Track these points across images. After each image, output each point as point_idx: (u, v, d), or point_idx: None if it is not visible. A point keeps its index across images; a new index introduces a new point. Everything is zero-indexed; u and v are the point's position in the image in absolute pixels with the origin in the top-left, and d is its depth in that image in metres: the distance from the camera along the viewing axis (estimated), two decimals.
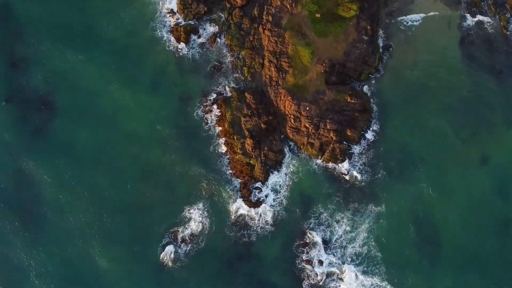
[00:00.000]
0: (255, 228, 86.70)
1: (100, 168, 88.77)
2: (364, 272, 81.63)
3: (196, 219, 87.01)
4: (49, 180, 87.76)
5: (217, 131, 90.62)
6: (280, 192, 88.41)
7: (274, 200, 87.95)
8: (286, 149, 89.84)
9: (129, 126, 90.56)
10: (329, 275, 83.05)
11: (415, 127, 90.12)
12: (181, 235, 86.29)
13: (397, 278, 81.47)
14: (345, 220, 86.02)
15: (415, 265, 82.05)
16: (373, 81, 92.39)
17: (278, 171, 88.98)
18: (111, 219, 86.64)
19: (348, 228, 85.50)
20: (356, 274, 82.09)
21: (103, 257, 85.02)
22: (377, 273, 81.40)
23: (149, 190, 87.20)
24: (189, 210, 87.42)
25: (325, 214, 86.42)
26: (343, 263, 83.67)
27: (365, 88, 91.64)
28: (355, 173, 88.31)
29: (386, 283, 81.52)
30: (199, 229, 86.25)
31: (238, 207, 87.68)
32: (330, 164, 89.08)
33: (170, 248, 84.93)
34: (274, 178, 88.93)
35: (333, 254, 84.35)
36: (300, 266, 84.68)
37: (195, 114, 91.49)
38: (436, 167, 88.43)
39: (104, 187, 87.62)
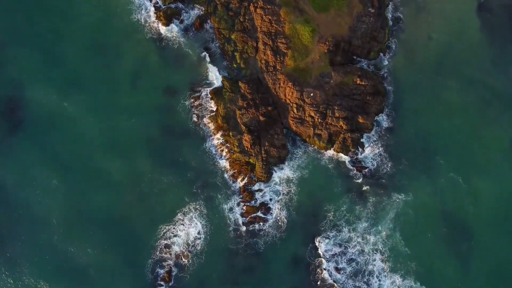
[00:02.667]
0: (261, 237, 74.88)
1: (78, 179, 77.60)
2: (392, 270, 73.33)
3: (190, 232, 75.16)
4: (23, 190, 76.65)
5: (209, 128, 78.67)
6: (286, 193, 76.88)
7: (279, 202, 76.70)
8: (289, 144, 79.18)
9: (107, 127, 79.27)
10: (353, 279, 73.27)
11: (435, 109, 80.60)
12: (174, 252, 74.31)
13: (427, 276, 73.42)
14: (364, 217, 76.14)
15: (445, 263, 74.50)
16: (384, 59, 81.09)
17: (282, 169, 77.87)
18: (90, 233, 74.74)
19: (368, 225, 75.84)
20: (381, 274, 73.08)
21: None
22: (405, 271, 73.34)
23: (133, 200, 76.51)
24: (182, 221, 75.72)
25: (339, 213, 76.38)
26: (366, 263, 73.74)
27: (384, 60, 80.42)
28: (370, 165, 76.97)
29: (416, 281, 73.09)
30: (196, 244, 74.27)
31: (240, 214, 75.84)
32: (342, 157, 78.18)
33: (164, 267, 72.77)
34: (278, 178, 77.58)
35: (351, 259, 73.87)
36: (316, 277, 73.11)
37: (183, 109, 79.63)
38: (463, 153, 78.87)
39: (80, 198, 76.39)
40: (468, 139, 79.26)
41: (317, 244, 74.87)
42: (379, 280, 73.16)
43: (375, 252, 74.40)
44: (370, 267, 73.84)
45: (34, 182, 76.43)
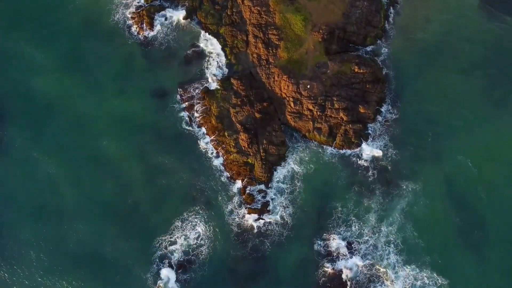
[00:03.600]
0: (265, 240, 70.78)
1: (69, 187, 73.22)
2: (407, 262, 69.59)
3: (190, 241, 70.84)
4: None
5: (203, 129, 74.48)
6: (289, 191, 73.24)
7: (283, 201, 73.13)
8: (288, 139, 75.41)
9: (95, 135, 75.26)
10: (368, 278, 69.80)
11: (439, 92, 77.06)
12: (174, 259, 70.07)
13: (443, 266, 69.64)
14: (373, 210, 72.18)
15: (460, 252, 70.76)
16: (382, 45, 77.41)
17: (282, 167, 74.05)
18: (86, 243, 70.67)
19: (377, 219, 71.87)
20: (397, 267, 69.59)
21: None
22: (421, 263, 69.65)
23: (127, 212, 72.27)
24: (180, 230, 71.50)
25: (347, 208, 72.44)
26: (381, 259, 70.10)
27: (381, 45, 76.65)
28: (376, 154, 74.15)
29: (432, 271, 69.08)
30: (197, 253, 70.07)
31: (241, 217, 71.76)
32: (345, 150, 74.46)
33: (165, 274, 68.64)
34: (280, 176, 74.06)
35: (363, 254, 70.41)
36: (327, 277, 69.09)
37: (173, 112, 75.40)
38: (471, 135, 75.00)
39: (73, 212, 72.16)
40: (475, 121, 75.63)
41: (326, 242, 70.72)
42: (395, 273, 69.32)
43: (388, 245, 70.67)
44: (384, 261, 70.05)
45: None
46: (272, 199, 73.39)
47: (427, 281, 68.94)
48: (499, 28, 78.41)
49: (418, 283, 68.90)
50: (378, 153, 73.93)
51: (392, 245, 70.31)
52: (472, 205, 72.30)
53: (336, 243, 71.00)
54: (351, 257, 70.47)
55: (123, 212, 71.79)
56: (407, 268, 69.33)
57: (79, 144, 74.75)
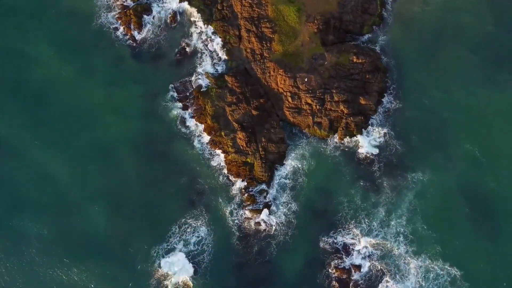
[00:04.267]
0: (271, 242, 68.21)
1: (61, 197, 70.10)
2: (417, 253, 67.19)
3: (191, 248, 67.93)
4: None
5: (199, 130, 71.59)
6: (291, 191, 70.73)
7: (285, 202, 70.54)
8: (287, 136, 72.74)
9: (89, 142, 72.30)
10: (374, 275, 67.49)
11: (441, 79, 74.23)
12: (176, 272, 67.30)
13: (456, 257, 67.33)
14: (381, 203, 69.69)
15: (471, 243, 68.31)
16: (380, 33, 74.76)
17: (283, 165, 71.58)
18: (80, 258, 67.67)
19: (386, 212, 69.38)
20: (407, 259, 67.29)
21: None
22: (432, 254, 67.43)
23: (123, 220, 69.33)
24: (179, 236, 68.28)
25: (353, 204, 69.82)
26: (392, 252, 67.80)
27: (379, 33, 74.18)
28: (380, 147, 71.73)
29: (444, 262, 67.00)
30: (198, 261, 67.21)
31: (243, 220, 68.96)
32: (347, 143, 72.14)
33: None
34: (281, 175, 71.62)
35: (372, 249, 68.10)
36: (334, 278, 66.38)
37: (166, 113, 72.49)
38: (477, 123, 72.60)
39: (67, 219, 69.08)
40: (480, 107, 72.94)
41: (333, 239, 68.20)
42: (406, 266, 67.01)
43: (397, 237, 68.22)
44: (394, 254, 67.61)
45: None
46: (274, 199, 70.51)
47: (440, 272, 66.65)
48: (498, 11, 75.31)
49: (431, 275, 66.61)
50: (383, 147, 70.97)
51: (402, 237, 67.98)
52: (482, 194, 69.87)
53: (344, 240, 68.18)
54: (359, 254, 67.65)
55: (116, 223, 69.01)
56: (418, 259, 67.05)
57: (70, 151, 71.65)
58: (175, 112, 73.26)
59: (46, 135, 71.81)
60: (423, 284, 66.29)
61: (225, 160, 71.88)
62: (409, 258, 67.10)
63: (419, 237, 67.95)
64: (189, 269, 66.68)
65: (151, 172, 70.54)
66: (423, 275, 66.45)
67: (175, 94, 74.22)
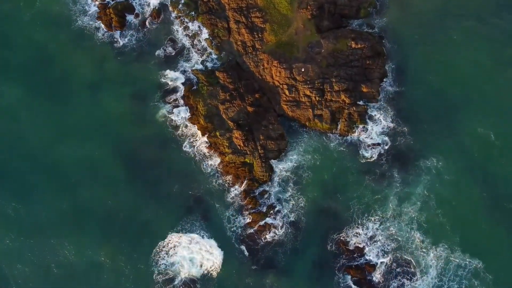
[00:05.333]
0: (278, 247, 64.09)
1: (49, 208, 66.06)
2: (433, 244, 63.53)
3: (193, 258, 63.20)
4: None
5: (192, 132, 66.94)
6: (296, 189, 66.47)
7: (290, 201, 66.22)
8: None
9: (74, 150, 68.10)
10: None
11: (445, 59, 69.76)
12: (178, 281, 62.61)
13: (476, 246, 63.55)
14: (393, 194, 65.78)
15: (489, 230, 64.53)
16: (377, 15, 71.18)
17: (284, 162, 67.51)
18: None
19: (398, 203, 65.46)
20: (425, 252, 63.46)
21: None
22: (450, 244, 63.74)
23: (116, 233, 64.63)
24: (178, 249, 63.45)
25: (363, 199, 65.87)
26: (408, 245, 63.98)
27: (376, 16, 70.05)
28: (386, 137, 67.48)
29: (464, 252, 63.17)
30: (200, 272, 62.43)
31: (245, 225, 64.30)
32: (351, 134, 67.95)
33: None
34: (283, 173, 67.39)
35: (387, 245, 64.18)
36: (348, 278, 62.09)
37: (156, 116, 67.64)
38: (487, 104, 68.19)
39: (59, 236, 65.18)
40: (488, 88, 68.64)
41: (346, 238, 63.91)
42: (425, 258, 63.21)
43: (412, 229, 64.43)
44: (411, 247, 63.79)
45: None
46: (278, 199, 65.86)
47: (460, 263, 62.97)
48: None
49: (451, 267, 62.89)
50: (388, 136, 66.59)
51: (417, 229, 64.18)
52: (498, 178, 65.84)
53: (357, 237, 63.80)
54: (374, 251, 63.45)
55: (108, 238, 64.67)
56: (436, 251, 63.29)
57: (57, 161, 67.28)
58: (164, 114, 68.54)
59: (26, 143, 67.83)
60: (444, 278, 62.55)
61: (222, 162, 67.14)
62: (426, 250, 63.41)
63: (435, 228, 64.52)
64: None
65: (142, 179, 66.67)
66: (442, 267, 62.80)
67: (164, 95, 69.32)
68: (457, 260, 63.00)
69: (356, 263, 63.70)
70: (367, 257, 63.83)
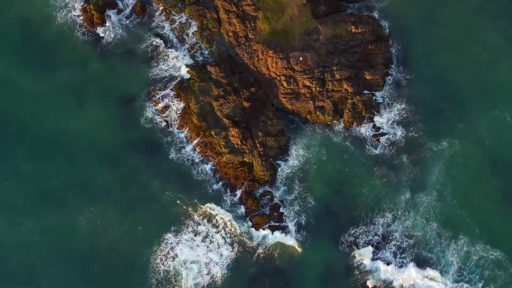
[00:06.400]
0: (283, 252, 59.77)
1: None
2: (452, 237, 59.47)
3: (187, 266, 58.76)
4: None
5: (185, 132, 62.88)
6: (301, 188, 62.04)
7: (294, 203, 61.66)
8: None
9: (56, 158, 63.26)
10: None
11: (454, 40, 64.99)
12: None
13: (497, 237, 59.58)
14: (404, 187, 61.21)
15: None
16: None
17: (286, 160, 63.03)
18: None
19: (411, 196, 61.03)
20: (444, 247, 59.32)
21: None
22: (470, 237, 59.59)
23: (109, 246, 60.26)
24: (177, 260, 58.81)
25: (373, 193, 61.30)
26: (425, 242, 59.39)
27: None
28: (395, 126, 62.97)
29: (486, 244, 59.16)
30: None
31: (247, 230, 60.60)
32: (357, 125, 63.40)
33: None
34: (285, 172, 62.84)
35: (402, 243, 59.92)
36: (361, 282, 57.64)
37: (145, 118, 63.26)
38: (504, 84, 63.46)
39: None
40: (503, 67, 63.75)
41: (356, 238, 59.83)
42: (443, 255, 59.19)
43: (428, 222, 60.07)
44: (429, 244, 59.59)
45: None
46: (281, 200, 61.41)
47: (482, 255, 58.89)
48: None
49: (472, 258, 58.73)
50: (399, 126, 62.21)
51: (433, 222, 59.79)
52: None
53: (369, 236, 59.61)
54: (387, 251, 59.17)
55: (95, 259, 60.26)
56: (455, 244, 59.15)
57: (38, 174, 62.43)
58: (152, 115, 63.77)
59: (5, 153, 62.97)
60: (464, 272, 58.58)
61: (218, 164, 62.58)
62: (445, 244, 59.27)
63: (452, 219, 60.04)
64: None
65: (133, 187, 61.85)
66: (463, 261, 58.71)
67: (153, 95, 64.66)
68: (479, 252, 58.82)
69: (369, 265, 59.19)
70: (382, 256, 59.32)
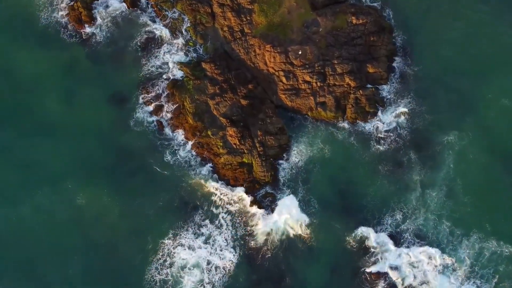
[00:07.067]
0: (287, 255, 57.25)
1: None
2: (465, 235, 56.93)
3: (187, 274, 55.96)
4: None
5: (180, 133, 60.34)
6: (304, 189, 59.26)
7: (298, 203, 58.78)
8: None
9: (46, 165, 60.15)
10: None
11: (460, 28, 62.30)
12: None
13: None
14: (413, 184, 58.47)
15: None
16: None
17: (287, 159, 60.24)
18: None
19: (420, 193, 58.31)
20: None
21: None
22: (483, 234, 56.94)
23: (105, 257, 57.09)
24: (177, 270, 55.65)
25: (382, 190, 58.46)
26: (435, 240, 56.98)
27: None
28: (401, 121, 60.15)
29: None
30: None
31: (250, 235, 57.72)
32: (361, 122, 60.65)
33: None
34: (287, 172, 60.03)
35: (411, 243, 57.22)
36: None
37: (138, 119, 60.72)
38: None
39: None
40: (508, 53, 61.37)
41: (363, 239, 57.07)
42: (455, 252, 56.56)
43: (439, 220, 57.36)
44: (439, 242, 56.97)
45: None
46: (285, 202, 58.52)
47: (493, 249, 56.19)
48: None
49: (485, 254, 56.27)
50: (404, 119, 59.47)
51: (444, 220, 57.18)
52: None
53: (376, 237, 56.88)
54: (397, 252, 56.45)
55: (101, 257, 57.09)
56: (467, 241, 56.52)
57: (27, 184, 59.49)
58: (147, 116, 60.79)
59: None
60: (476, 268, 55.94)
61: (216, 165, 59.76)
62: (458, 242, 56.67)
63: (463, 216, 57.37)
64: None
65: (127, 193, 58.67)
66: (475, 257, 56.24)
67: (145, 95, 61.64)
68: (492, 248, 56.25)
69: (379, 267, 56.32)
70: (389, 262, 56.46)
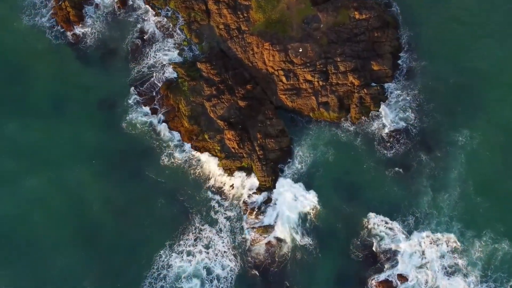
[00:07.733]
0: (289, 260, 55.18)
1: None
2: (478, 237, 54.81)
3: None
4: None
5: (176, 137, 58.22)
6: (305, 195, 56.77)
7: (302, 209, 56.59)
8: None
9: (36, 171, 58.25)
10: None
11: (469, 22, 60.02)
12: None
13: None
14: (423, 189, 56.48)
15: None
16: None
17: (289, 164, 57.84)
18: None
19: (432, 197, 56.15)
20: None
21: None
22: (495, 234, 55.05)
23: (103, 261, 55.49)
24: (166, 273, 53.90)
25: (390, 194, 56.38)
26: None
27: None
28: (409, 119, 57.72)
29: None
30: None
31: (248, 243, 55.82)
32: (366, 122, 58.40)
33: None
34: (290, 175, 57.60)
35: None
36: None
37: (131, 123, 58.74)
38: None
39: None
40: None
41: (371, 246, 54.92)
42: (467, 255, 54.50)
43: (451, 221, 55.30)
44: (451, 242, 54.81)
45: None
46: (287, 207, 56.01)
47: (507, 250, 54.36)
48: None
49: (498, 257, 54.57)
50: (410, 117, 57.02)
51: (455, 220, 55.41)
52: None
53: (385, 243, 54.66)
54: (407, 257, 54.26)
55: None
56: (481, 242, 54.30)
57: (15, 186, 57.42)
58: (140, 120, 58.19)
59: None
60: (489, 272, 53.87)
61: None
62: (469, 245, 54.44)
63: (475, 217, 55.51)
64: None
65: (123, 197, 56.92)
66: (488, 259, 54.08)
67: (138, 97, 59.17)
68: (505, 249, 54.21)
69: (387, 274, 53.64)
70: (397, 269, 53.80)
